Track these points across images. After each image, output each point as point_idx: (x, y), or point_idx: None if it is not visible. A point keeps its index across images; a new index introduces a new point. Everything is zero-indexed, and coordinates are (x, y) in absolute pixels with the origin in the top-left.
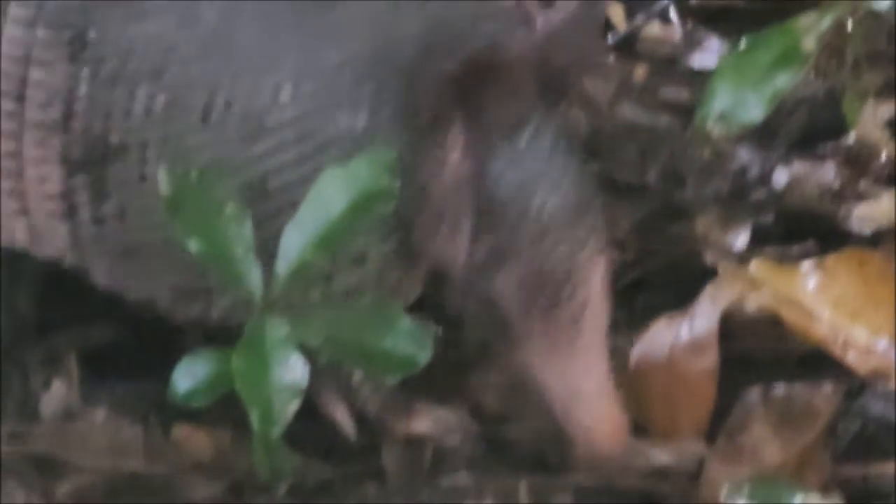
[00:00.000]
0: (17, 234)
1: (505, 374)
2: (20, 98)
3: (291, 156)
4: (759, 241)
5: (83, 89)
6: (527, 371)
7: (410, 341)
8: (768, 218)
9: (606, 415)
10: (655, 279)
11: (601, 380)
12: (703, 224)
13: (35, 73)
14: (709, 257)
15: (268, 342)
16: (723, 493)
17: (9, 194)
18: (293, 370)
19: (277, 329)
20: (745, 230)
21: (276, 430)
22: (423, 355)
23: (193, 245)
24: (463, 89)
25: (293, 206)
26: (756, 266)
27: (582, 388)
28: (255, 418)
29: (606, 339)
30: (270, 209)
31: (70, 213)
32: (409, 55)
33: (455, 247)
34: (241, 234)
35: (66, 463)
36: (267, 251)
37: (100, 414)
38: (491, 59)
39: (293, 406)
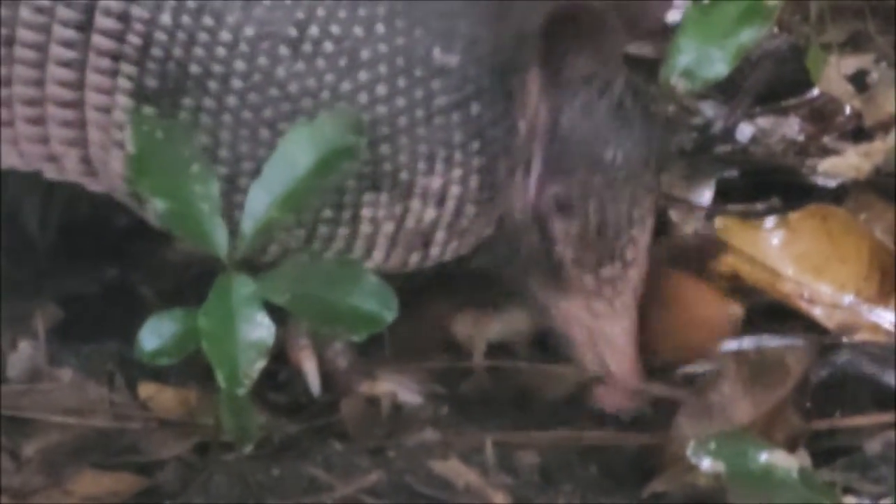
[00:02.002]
0: (68, 165)
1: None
2: (83, 26)
3: (385, 90)
4: (723, 195)
5: (165, 18)
6: (566, 316)
7: (376, 299)
8: (733, 172)
9: (630, 364)
10: None
11: (631, 334)
12: (668, 179)
13: (105, 3)
14: (673, 213)
15: (234, 300)
16: (689, 450)
17: (62, 124)
18: (259, 328)
19: (243, 287)
20: (710, 185)
21: (243, 389)
22: (389, 313)
23: (159, 204)
24: (545, 39)
25: (388, 140)
26: (721, 223)
27: (615, 340)
28: (221, 377)
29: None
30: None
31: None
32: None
33: (525, 189)
34: (207, 193)
35: (34, 422)
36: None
37: (66, 374)
38: (573, 14)
39: (259, 364)
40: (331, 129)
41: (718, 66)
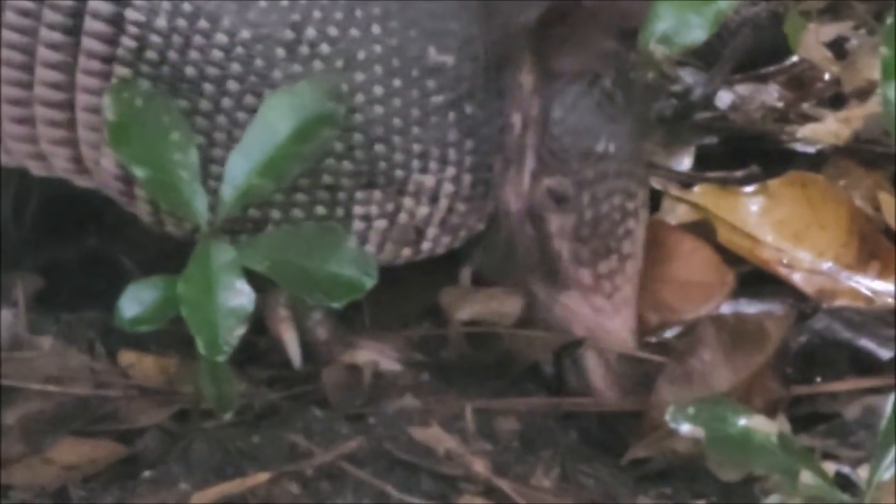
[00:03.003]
0: (58, 163)
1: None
2: (71, 30)
3: (381, 91)
4: (702, 162)
5: (160, 22)
6: (566, 312)
7: (355, 266)
8: (712, 139)
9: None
10: None
11: (632, 328)
12: (648, 146)
13: (95, 5)
14: (652, 179)
15: (213, 267)
16: (668, 415)
17: (51, 124)
18: (239, 295)
19: (223, 254)
20: (689, 152)
21: (223, 356)
22: (368, 280)
23: (139, 171)
24: (538, 34)
25: (383, 139)
26: (700, 191)
27: (616, 335)
28: (201, 344)
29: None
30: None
31: None
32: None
33: (519, 184)
34: (187, 161)
35: (14, 390)
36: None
37: (46, 342)
38: (565, 10)
39: (239, 331)
40: (310, 95)
41: (696, 32)
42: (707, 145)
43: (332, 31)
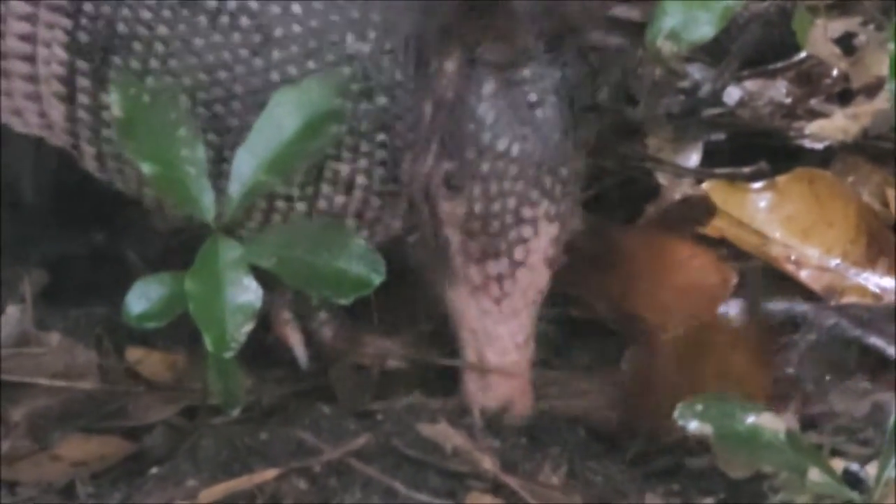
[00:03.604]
0: (31, 120)
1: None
2: None
3: (296, 71)
4: (710, 158)
5: None
6: (453, 307)
7: (363, 262)
8: (720, 136)
9: (516, 369)
10: (608, 197)
11: (519, 340)
12: (655, 142)
13: None
14: (660, 176)
15: (221, 264)
16: (676, 412)
17: (24, 78)
18: (246, 291)
19: (230, 250)
20: (697, 148)
21: (230, 353)
22: (376, 276)
23: (146, 167)
24: (462, 24)
25: None
26: (708, 187)
27: (499, 342)
28: (208, 340)
29: (536, 307)
30: None
31: (70, 97)
32: None
33: (421, 168)
34: (194, 157)
35: (21, 387)
36: None
37: (54, 338)
38: (496, 4)
39: (246, 328)
40: (317, 92)
41: (704, 29)
42: (715, 141)
43: (253, 5)
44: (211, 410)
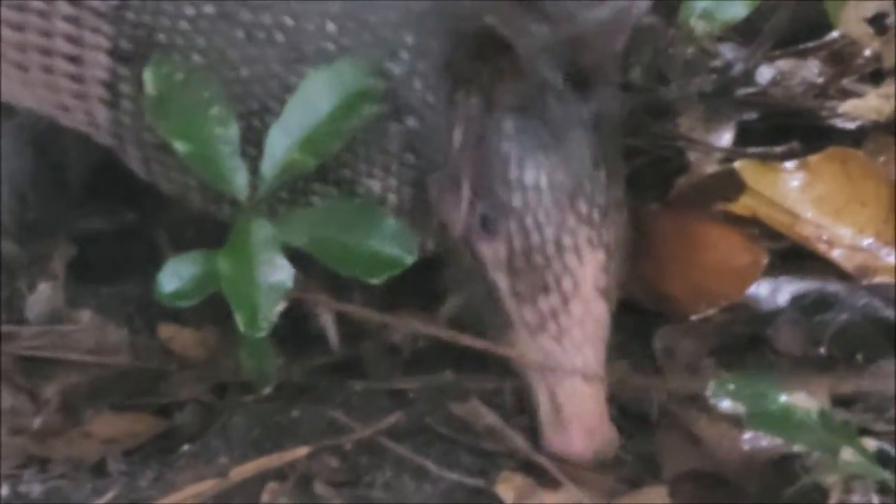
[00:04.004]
0: (77, 117)
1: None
2: None
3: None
4: (743, 138)
5: None
6: (513, 351)
7: (395, 242)
8: (752, 115)
9: (589, 408)
10: (640, 176)
11: (588, 375)
12: (687, 122)
13: None
14: (693, 155)
15: (253, 243)
16: (708, 391)
17: (71, 77)
18: (278, 271)
19: (262, 229)
20: (729, 128)
21: (262, 332)
22: (409, 256)
23: (179, 146)
24: (483, 60)
25: None
26: (740, 166)
27: (568, 381)
28: (240, 319)
29: (602, 336)
30: None
31: (113, 102)
32: (451, 18)
33: (457, 208)
34: (227, 135)
35: (53, 364)
36: None
37: (85, 315)
38: (502, 42)
39: (278, 307)
40: (350, 72)
41: (737, 8)
42: (747, 121)
43: (288, 21)
44: (242, 388)
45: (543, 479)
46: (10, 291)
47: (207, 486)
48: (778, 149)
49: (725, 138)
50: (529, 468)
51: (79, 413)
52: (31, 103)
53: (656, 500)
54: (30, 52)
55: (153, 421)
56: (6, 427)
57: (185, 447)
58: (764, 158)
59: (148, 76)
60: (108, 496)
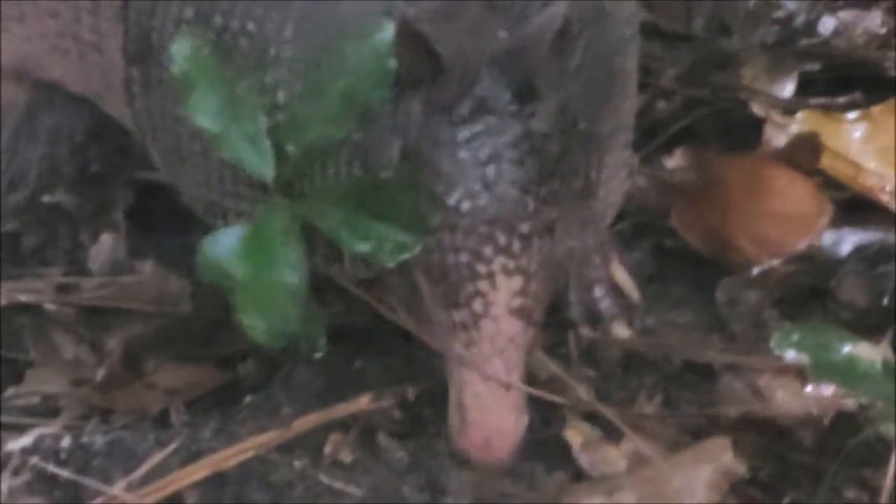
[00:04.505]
0: (112, 105)
1: None
2: None
3: (284, 95)
4: (805, 89)
5: None
6: (435, 342)
7: (408, 225)
8: (814, 66)
9: (485, 423)
10: (702, 128)
11: (487, 389)
12: (750, 73)
13: None
14: (755, 106)
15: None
16: (772, 342)
17: (101, 68)
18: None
19: (284, 213)
20: (792, 79)
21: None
22: (418, 242)
23: (206, 123)
24: (409, 60)
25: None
26: (803, 117)
27: (470, 387)
28: (256, 329)
29: (516, 347)
30: None
31: (130, 101)
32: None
33: None
34: (253, 113)
35: (115, 315)
36: None
37: (148, 265)
38: (428, 48)
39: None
40: (358, 51)
41: None
42: (809, 72)
43: (251, 26)
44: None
45: (606, 429)
46: (71, 243)
47: (270, 437)
48: (840, 99)
49: (788, 89)
50: (592, 418)
51: (141, 364)
52: (78, 89)
53: (718, 451)
54: (67, 39)
55: (216, 372)
56: (68, 378)
57: (248, 398)
58: (826, 109)
59: (174, 55)
60: (171, 447)
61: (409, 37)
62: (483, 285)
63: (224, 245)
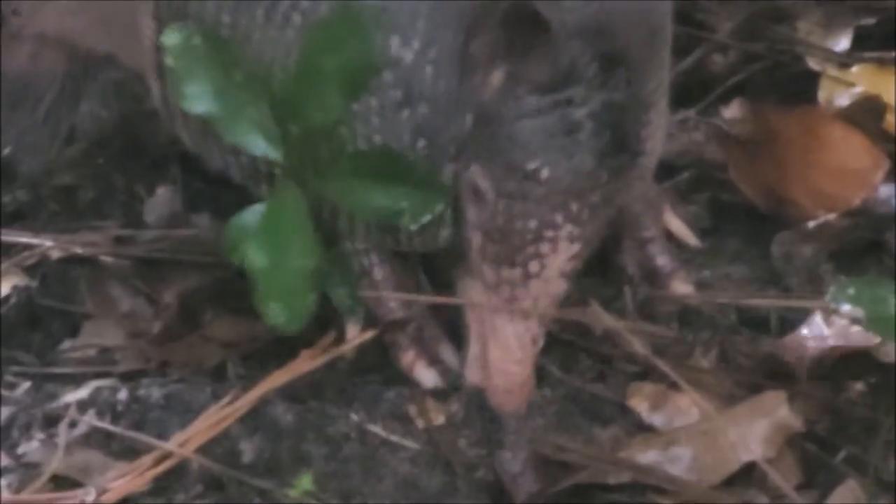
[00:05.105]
0: (154, 89)
1: None
2: None
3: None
4: (860, 43)
5: None
6: (466, 294)
7: (426, 188)
8: (870, 20)
9: (514, 372)
10: (758, 82)
11: (523, 344)
12: (805, 27)
13: None
14: (811, 60)
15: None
16: (828, 296)
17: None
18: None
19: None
20: (847, 33)
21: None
22: (439, 201)
23: (207, 110)
24: (507, 39)
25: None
26: (858, 71)
27: (505, 340)
28: (274, 314)
29: (540, 322)
30: None
31: (160, 71)
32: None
33: (456, 169)
34: (255, 98)
35: (172, 268)
36: None
37: (204, 219)
38: (537, 20)
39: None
40: (347, 27)
41: None
42: (865, 25)
43: (305, 3)
44: None
45: (663, 383)
46: (128, 196)
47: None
48: (895, 53)
49: (843, 43)
50: (648, 373)
51: (198, 317)
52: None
53: (774, 405)
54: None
55: None
56: (125, 331)
57: (305, 352)
58: (881, 63)
59: (168, 48)
60: (227, 399)
61: (520, 9)
62: (545, 248)
63: (245, 226)
